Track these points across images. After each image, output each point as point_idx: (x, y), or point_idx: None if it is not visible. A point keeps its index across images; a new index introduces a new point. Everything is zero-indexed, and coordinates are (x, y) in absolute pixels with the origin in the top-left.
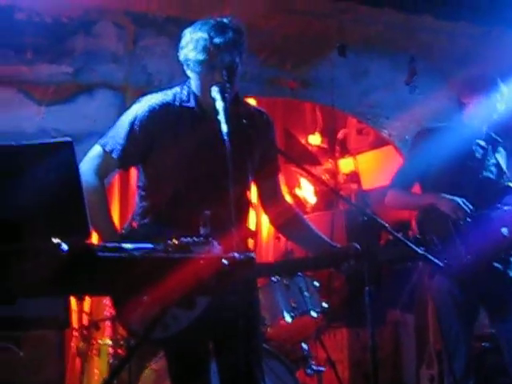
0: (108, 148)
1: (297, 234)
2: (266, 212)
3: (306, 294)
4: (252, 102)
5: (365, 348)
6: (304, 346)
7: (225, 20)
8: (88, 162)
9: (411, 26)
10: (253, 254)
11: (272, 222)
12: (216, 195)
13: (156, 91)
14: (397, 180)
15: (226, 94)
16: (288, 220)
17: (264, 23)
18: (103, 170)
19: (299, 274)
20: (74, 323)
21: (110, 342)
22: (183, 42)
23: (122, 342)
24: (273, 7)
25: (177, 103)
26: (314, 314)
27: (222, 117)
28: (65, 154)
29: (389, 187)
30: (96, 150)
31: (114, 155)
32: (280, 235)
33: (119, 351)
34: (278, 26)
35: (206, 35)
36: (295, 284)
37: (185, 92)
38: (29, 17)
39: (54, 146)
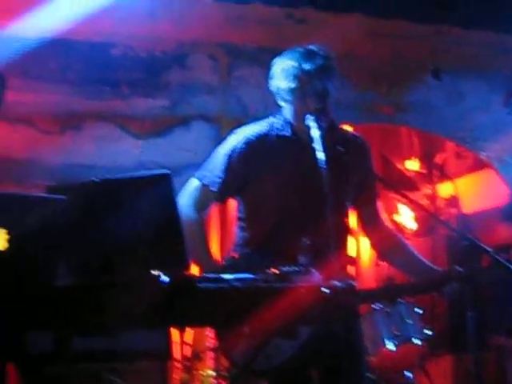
0: (206, 181)
1: (399, 259)
2: (368, 238)
3: (408, 321)
4: (348, 128)
5: (469, 375)
6: (408, 374)
7: (313, 47)
8: (186, 196)
9: (505, 47)
10: (353, 282)
11: (374, 247)
12: (315, 223)
13: (251, 121)
14: None
15: (321, 122)
16: (390, 245)
17: (357, 49)
18: (201, 203)
19: (401, 301)
20: (177, 354)
21: (212, 373)
22: (273, 72)
23: (224, 373)
24: (365, 32)
25: (273, 133)
26: (416, 341)
27: (317, 145)
28: (163, 186)
29: None
30: (193, 183)
31: (212, 188)
32: (381, 261)
33: (222, 382)
34: (372, 50)
35: (295, 63)
36: (397, 311)
37: (280, 121)
38: (124, 52)
39: (152, 179)
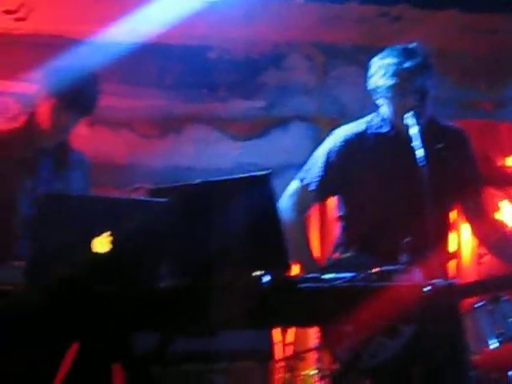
0: (305, 182)
1: (506, 250)
2: (474, 231)
3: (511, 319)
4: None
5: None
6: (511, 374)
7: (412, 45)
8: (287, 198)
9: None
10: (454, 280)
11: (481, 240)
12: (415, 221)
13: (349, 121)
14: None
15: (420, 119)
16: (497, 237)
17: (454, 45)
18: (302, 204)
19: (504, 298)
20: (279, 354)
21: (314, 373)
22: (372, 70)
23: (327, 372)
24: (462, 28)
25: (371, 131)
26: None
27: (417, 142)
28: (263, 187)
29: None
30: (294, 185)
31: (312, 188)
32: (482, 260)
33: (324, 381)
34: (469, 46)
35: (395, 60)
36: (500, 309)
37: (378, 119)
38: (220, 55)
39: (252, 180)
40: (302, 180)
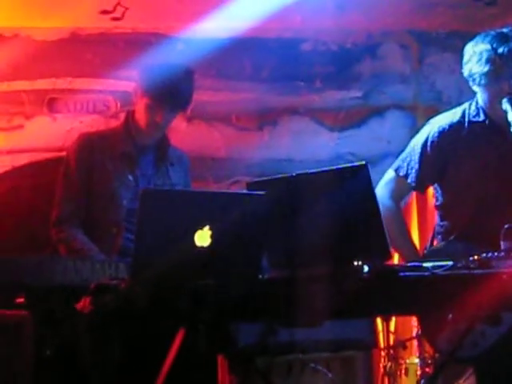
0: (402, 172)
1: None
2: None
3: None
4: None
5: None
6: None
7: (505, 30)
8: (383, 187)
9: None
10: None
11: None
12: None
13: (446, 108)
14: None
15: None
16: None
17: None
18: (398, 193)
19: None
20: (382, 343)
21: (417, 361)
22: (466, 56)
23: (429, 361)
24: None
25: (466, 120)
26: None
27: None
28: (361, 178)
29: None
30: (390, 174)
31: (409, 179)
32: None
33: (427, 370)
34: None
35: (489, 46)
36: None
37: (473, 107)
38: (314, 46)
39: (350, 171)
40: (397, 169)
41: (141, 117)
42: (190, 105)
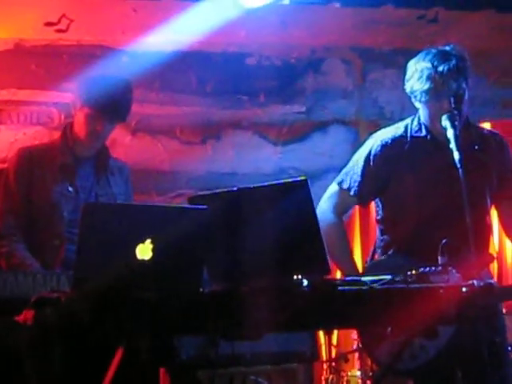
0: (345, 186)
1: None
2: (508, 235)
3: None
4: (486, 125)
5: None
6: None
7: (447, 48)
8: (326, 201)
9: None
10: (493, 281)
11: None
12: (453, 223)
13: (388, 123)
14: None
15: (456, 122)
16: None
17: (490, 45)
18: (341, 207)
19: None
20: (324, 356)
21: (358, 374)
22: (408, 73)
23: (370, 374)
24: (497, 27)
25: (408, 134)
26: None
27: (453, 145)
28: (301, 193)
29: None
30: (333, 188)
31: (352, 193)
32: None
33: (368, 382)
34: (505, 45)
35: (429, 64)
36: None
37: (415, 123)
38: (258, 61)
39: (290, 186)
40: (340, 183)
41: (80, 128)
42: (128, 116)
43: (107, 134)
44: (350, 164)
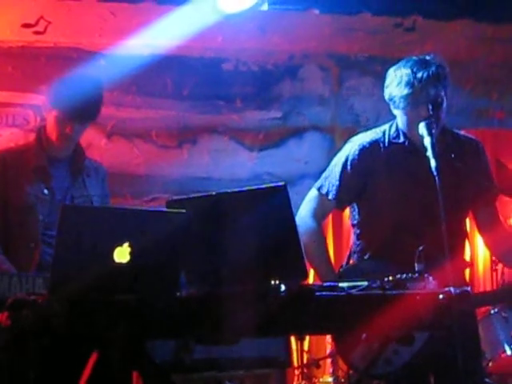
0: (323, 190)
1: None
2: (485, 241)
3: None
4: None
5: None
6: None
7: (427, 57)
8: (305, 205)
9: None
10: (468, 288)
11: (492, 249)
12: (430, 230)
13: (364, 131)
14: None
15: (433, 130)
16: (508, 249)
17: (467, 55)
18: (320, 212)
19: None
20: (295, 362)
21: (330, 380)
22: (388, 80)
23: (342, 380)
24: (474, 37)
25: (386, 140)
26: None
27: (429, 153)
28: (280, 198)
29: None
30: (312, 193)
31: (330, 197)
32: (497, 266)
33: None
34: (482, 56)
35: (409, 71)
36: None
37: (393, 129)
38: (235, 67)
39: (269, 191)
40: (319, 188)
41: (51, 130)
42: (98, 115)
43: (78, 135)
44: (329, 168)
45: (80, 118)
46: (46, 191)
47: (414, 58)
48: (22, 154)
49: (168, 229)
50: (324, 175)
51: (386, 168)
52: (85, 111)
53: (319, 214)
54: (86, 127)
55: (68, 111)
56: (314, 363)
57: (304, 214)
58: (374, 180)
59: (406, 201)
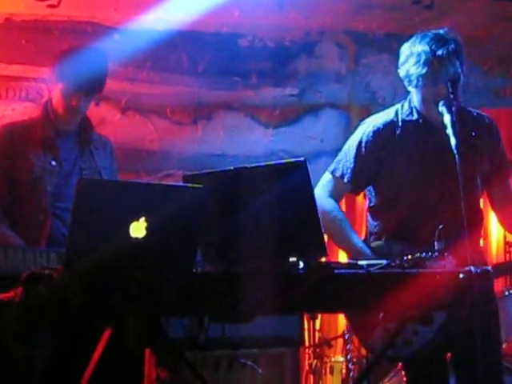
0: (338, 173)
1: None
2: (499, 218)
3: None
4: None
5: None
6: None
7: (442, 32)
8: (321, 189)
9: None
10: (489, 267)
11: (506, 227)
12: (448, 208)
13: (380, 108)
14: None
15: (453, 108)
16: None
17: (485, 33)
18: (336, 194)
19: None
20: (307, 341)
21: (342, 360)
22: (403, 57)
23: (354, 360)
24: (493, 15)
25: (399, 118)
26: None
27: (450, 131)
28: (299, 174)
29: None
30: (326, 177)
31: (345, 179)
32: (511, 249)
33: (352, 368)
34: (500, 34)
35: (427, 48)
36: None
37: (406, 107)
38: (251, 42)
39: (288, 167)
40: (333, 171)
41: (57, 103)
42: (102, 88)
43: (85, 107)
44: (342, 152)
45: (85, 91)
46: (53, 162)
47: (430, 33)
48: (29, 127)
49: (185, 204)
50: (337, 159)
51: (401, 148)
52: (90, 84)
53: (335, 196)
54: (92, 99)
55: (73, 84)
56: (326, 343)
57: (320, 196)
58: (390, 161)
59: (422, 180)
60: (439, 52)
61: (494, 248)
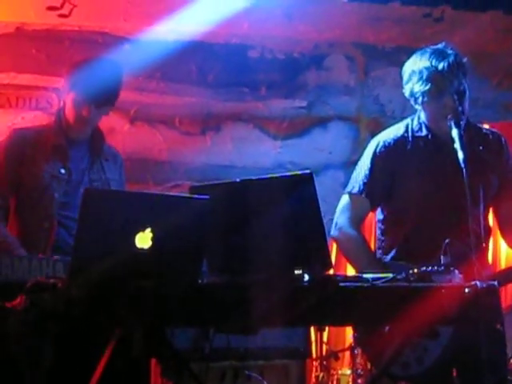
0: (355, 190)
1: None
2: (504, 236)
3: None
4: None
5: None
6: None
7: (440, 46)
8: (340, 215)
9: None
10: (495, 282)
11: (510, 245)
12: (455, 223)
13: (389, 121)
14: None
15: (461, 122)
16: None
17: (495, 46)
18: (356, 215)
19: None
20: (314, 353)
21: (349, 372)
22: (406, 76)
23: (361, 372)
24: (503, 29)
25: (410, 134)
26: None
27: (457, 144)
28: (306, 187)
29: None
30: (344, 200)
31: (364, 195)
32: None
33: (359, 381)
34: (510, 47)
35: (428, 64)
36: None
37: (416, 122)
38: (261, 54)
39: (295, 179)
40: (351, 190)
41: (69, 112)
42: (115, 101)
43: (96, 119)
44: (357, 170)
45: (96, 102)
46: (62, 170)
47: (428, 49)
48: (41, 133)
49: (191, 215)
50: (353, 177)
51: (412, 163)
52: (101, 95)
53: (357, 219)
54: (105, 113)
55: (84, 94)
56: (333, 355)
57: (342, 223)
58: (401, 176)
59: (431, 195)
60: (440, 66)
61: (503, 262)
